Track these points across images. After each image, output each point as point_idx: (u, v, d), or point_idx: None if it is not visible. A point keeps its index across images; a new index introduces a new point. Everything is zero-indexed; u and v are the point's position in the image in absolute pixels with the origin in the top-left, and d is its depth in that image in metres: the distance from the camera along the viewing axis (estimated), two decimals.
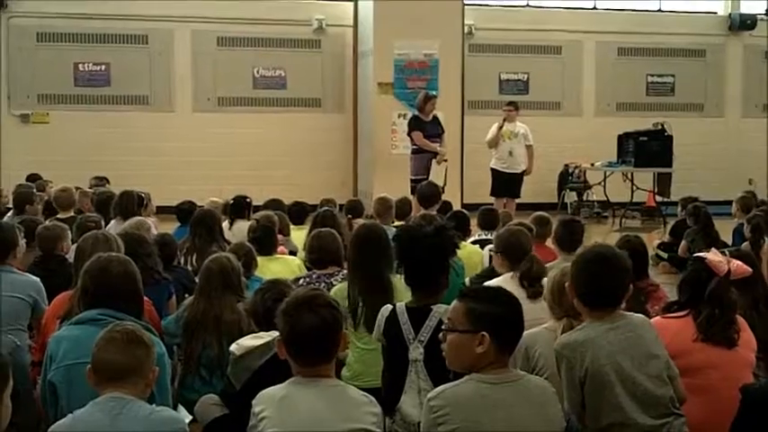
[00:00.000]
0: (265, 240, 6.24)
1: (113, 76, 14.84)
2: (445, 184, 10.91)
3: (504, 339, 3.09)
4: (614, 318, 3.52)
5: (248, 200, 8.12)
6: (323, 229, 5.72)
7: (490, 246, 6.26)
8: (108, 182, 11.06)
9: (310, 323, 3.01)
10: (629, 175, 14.53)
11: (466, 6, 14.43)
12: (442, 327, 3.27)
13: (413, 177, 11.41)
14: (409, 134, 11.78)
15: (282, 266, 5.91)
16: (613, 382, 3.39)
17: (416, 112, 11.84)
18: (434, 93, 12.45)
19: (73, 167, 12.59)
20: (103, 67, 14.82)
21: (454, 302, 3.18)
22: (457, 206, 10.15)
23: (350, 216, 8.12)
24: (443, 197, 9.29)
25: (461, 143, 13.87)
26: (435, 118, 11.88)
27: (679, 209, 10.24)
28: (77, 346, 3.50)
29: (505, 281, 4.74)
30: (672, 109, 16.43)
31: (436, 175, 11.29)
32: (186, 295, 5.39)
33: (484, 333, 3.02)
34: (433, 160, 11.48)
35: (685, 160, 14.94)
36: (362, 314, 4.57)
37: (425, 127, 11.66)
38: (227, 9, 14.99)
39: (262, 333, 4.01)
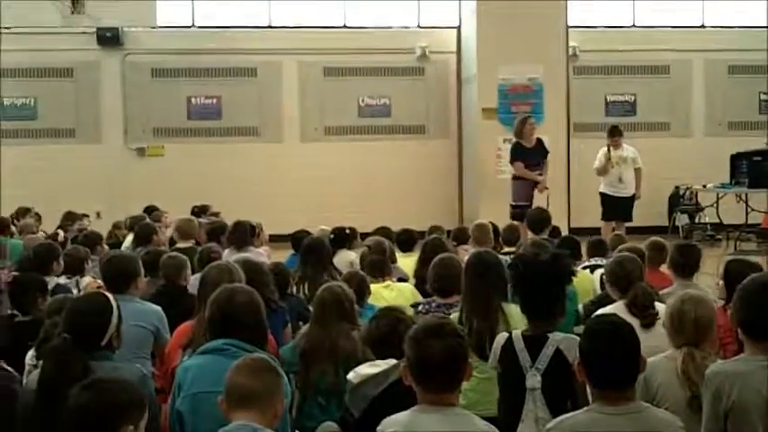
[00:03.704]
0: (378, 263, 6.35)
1: (224, 108, 15.31)
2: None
3: None
4: None
5: (347, 230, 8.13)
6: (446, 256, 5.61)
7: (601, 270, 6.20)
8: (206, 211, 11.14)
9: (437, 350, 3.04)
10: (744, 197, 14.11)
11: (569, 29, 14.34)
12: None
13: (513, 203, 11.38)
14: (511, 163, 11.74)
15: (396, 294, 5.93)
16: (755, 421, 3.30)
17: (517, 139, 11.76)
18: (530, 115, 12.35)
19: (187, 198, 12.91)
20: (215, 101, 15.31)
21: None
22: (564, 231, 10.04)
23: (455, 243, 8.11)
24: None
25: (567, 167, 13.74)
26: (540, 142, 11.77)
27: None
28: (203, 376, 3.59)
29: (618, 308, 4.68)
30: None
31: (539, 203, 11.21)
32: (301, 323, 5.49)
33: None
34: (535, 189, 11.40)
35: None
36: (474, 341, 4.56)
37: (527, 155, 11.57)
38: (332, 40, 15.32)
39: (378, 361, 4.03)
